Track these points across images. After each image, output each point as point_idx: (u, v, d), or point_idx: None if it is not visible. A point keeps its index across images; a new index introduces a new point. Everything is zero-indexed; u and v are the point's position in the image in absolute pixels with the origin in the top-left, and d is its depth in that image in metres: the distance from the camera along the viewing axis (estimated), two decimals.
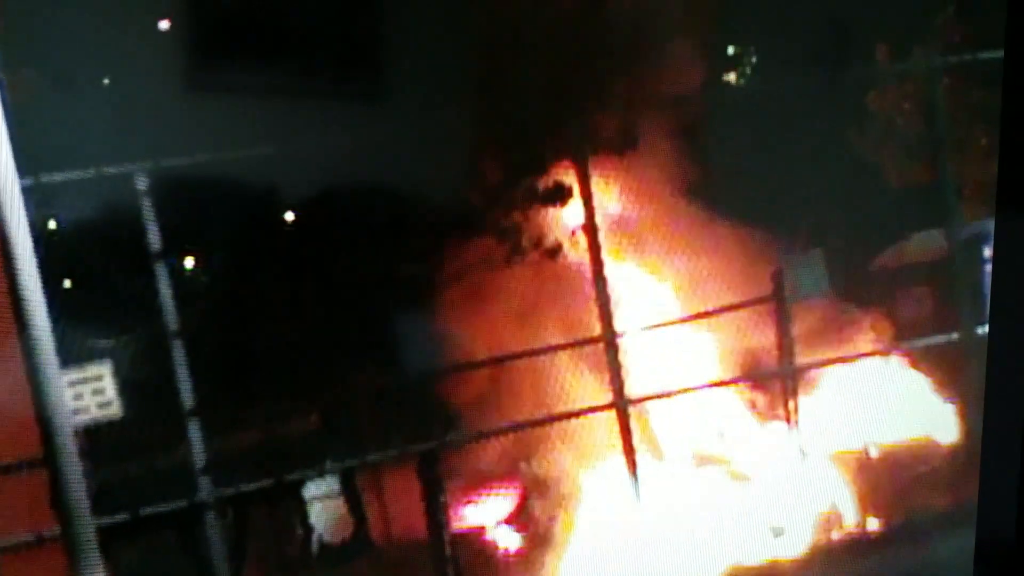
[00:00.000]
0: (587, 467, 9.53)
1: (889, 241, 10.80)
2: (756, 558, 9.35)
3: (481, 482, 9.36)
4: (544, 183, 9.48)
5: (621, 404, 9.35)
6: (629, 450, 9.32)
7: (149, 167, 8.15)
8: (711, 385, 9.85)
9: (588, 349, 9.49)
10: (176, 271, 8.35)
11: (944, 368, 10.09)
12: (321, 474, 9.00)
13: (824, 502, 9.69)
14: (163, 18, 9.39)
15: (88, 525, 6.87)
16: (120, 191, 8.12)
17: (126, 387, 8.00)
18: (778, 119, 9.73)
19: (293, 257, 9.28)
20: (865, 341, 10.20)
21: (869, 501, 9.75)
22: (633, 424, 9.37)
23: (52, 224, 8.18)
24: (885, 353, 10.22)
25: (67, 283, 8.04)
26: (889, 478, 9.85)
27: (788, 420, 9.88)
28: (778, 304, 9.87)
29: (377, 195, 9.38)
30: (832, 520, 9.65)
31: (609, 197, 9.56)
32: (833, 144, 10.38)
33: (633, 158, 9.65)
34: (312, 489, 9.10)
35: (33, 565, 7.51)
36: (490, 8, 9.62)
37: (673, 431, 9.76)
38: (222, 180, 8.66)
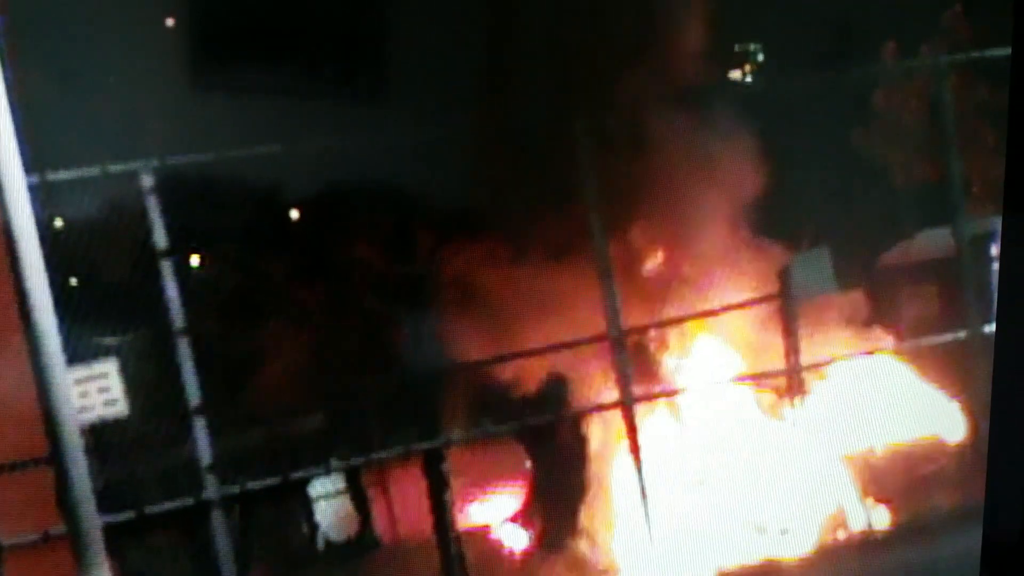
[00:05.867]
0: (592, 465, 9.52)
1: (896, 239, 10.77)
2: (762, 557, 9.34)
3: (486, 480, 9.36)
4: (549, 181, 9.47)
5: (627, 402, 9.34)
6: (635, 448, 9.31)
7: (155, 165, 8.16)
8: (717, 383, 9.84)
9: (594, 347, 9.48)
10: (182, 269, 8.34)
11: (951, 367, 10.06)
12: (327, 472, 9.00)
13: (830, 501, 9.67)
14: (169, 16, 9.39)
15: (94, 523, 6.87)
16: (126, 189, 8.12)
17: (132, 385, 8.00)
18: (785, 117, 9.71)
19: (299, 255, 9.28)
20: (871, 339, 10.18)
21: (875, 500, 9.73)
22: (639, 422, 9.36)
23: (58, 222, 8.18)
24: (891, 352, 10.19)
25: (73, 281, 8.04)
26: (896, 477, 9.83)
27: (794, 419, 9.86)
28: (784, 302, 9.85)
29: (383, 194, 9.38)
30: (838, 519, 9.64)
31: (614, 195, 9.54)
32: (840, 142, 10.35)
33: (639, 156, 9.63)
34: (318, 487, 9.10)
35: (39, 563, 7.52)
36: (494, 7, 9.61)
37: (678, 429, 9.74)
38: (228, 178, 8.66)
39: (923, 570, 8.54)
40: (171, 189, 8.17)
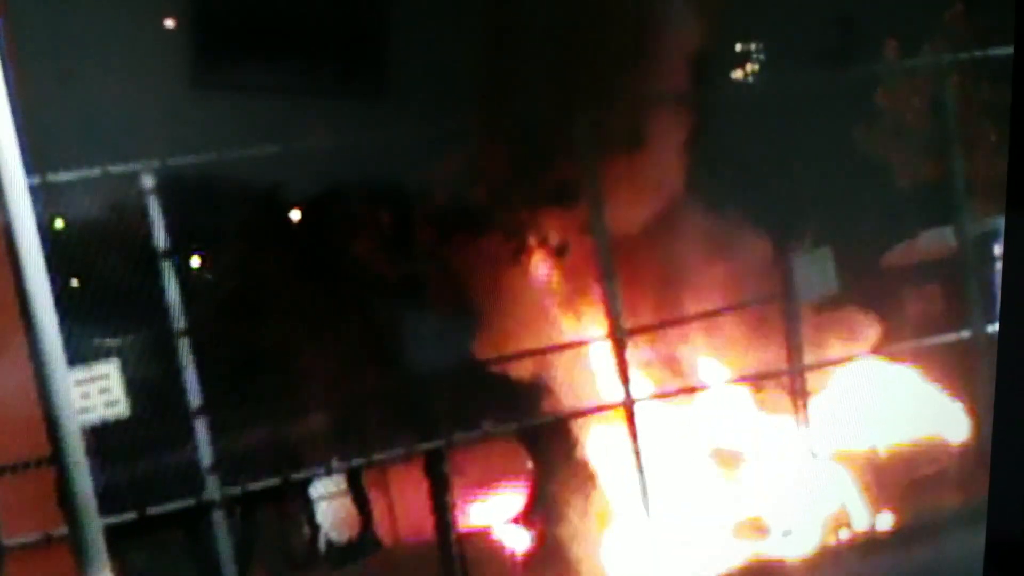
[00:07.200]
0: (593, 466, 9.51)
1: (899, 239, 10.76)
2: (765, 558, 9.33)
3: (488, 481, 9.35)
4: (550, 181, 9.47)
5: (628, 403, 9.33)
6: (636, 448, 9.30)
7: (156, 166, 8.16)
8: (719, 384, 9.82)
9: (595, 347, 9.48)
10: (182, 270, 8.35)
11: (954, 367, 10.05)
12: (328, 473, 8.99)
13: (833, 502, 9.66)
14: (170, 16, 9.38)
15: (95, 524, 6.87)
16: (127, 190, 8.13)
17: (133, 386, 8.01)
18: (787, 116, 9.70)
19: (300, 256, 9.28)
20: (874, 340, 10.16)
21: (878, 501, 9.71)
22: (640, 422, 9.36)
23: (59, 223, 8.18)
24: (894, 352, 10.17)
25: (74, 282, 8.04)
26: (898, 478, 9.82)
27: (797, 419, 9.85)
28: (787, 303, 9.84)
29: (383, 193, 9.38)
30: (841, 520, 9.63)
31: (616, 195, 9.53)
32: (842, 141, 10.34)
33: (640, 156, 9.62)
34: (319, 488, 9.10)
35: (41, 564, 7.52)
36: (495, 4, 9.60)
37: (680, 430, 9.73)
38: (229, 179, 8.66)
39: (927, 571, 8.53)
40: (172, 190, 8.17)
